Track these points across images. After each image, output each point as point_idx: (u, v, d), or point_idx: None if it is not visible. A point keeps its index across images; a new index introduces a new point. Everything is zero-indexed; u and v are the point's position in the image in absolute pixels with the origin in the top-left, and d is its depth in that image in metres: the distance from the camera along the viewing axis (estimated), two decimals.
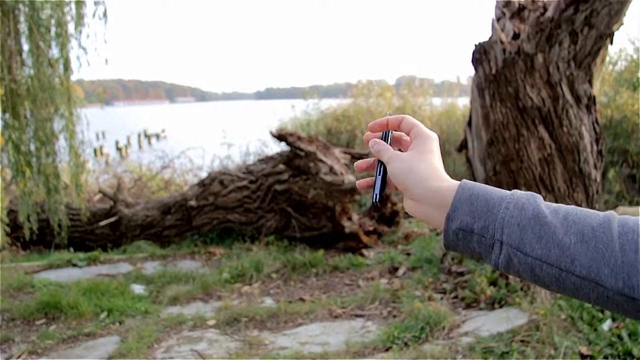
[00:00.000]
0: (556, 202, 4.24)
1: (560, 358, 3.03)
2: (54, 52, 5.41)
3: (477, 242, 0.71)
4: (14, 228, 6.30)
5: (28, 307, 4.57)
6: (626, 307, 0.62)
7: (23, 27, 5.26)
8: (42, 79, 5.29)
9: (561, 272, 0.65)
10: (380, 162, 0.86)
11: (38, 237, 6.21)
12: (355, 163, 0.91)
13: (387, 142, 0.87)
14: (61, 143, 5.78)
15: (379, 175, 0.86)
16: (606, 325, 3.34)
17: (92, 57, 5.60)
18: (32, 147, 5.53)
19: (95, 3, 5.50)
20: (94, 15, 5.52)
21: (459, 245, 0.74)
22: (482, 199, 0.72)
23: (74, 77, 5.64)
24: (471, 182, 0.75)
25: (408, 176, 0.78)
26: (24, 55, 5.34)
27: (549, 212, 0.68)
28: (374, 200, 0.86)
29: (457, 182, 0.76)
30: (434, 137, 0.82)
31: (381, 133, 0.89)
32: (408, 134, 0.86)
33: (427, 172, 0.78)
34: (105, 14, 5.56)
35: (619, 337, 3.19)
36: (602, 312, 3.48)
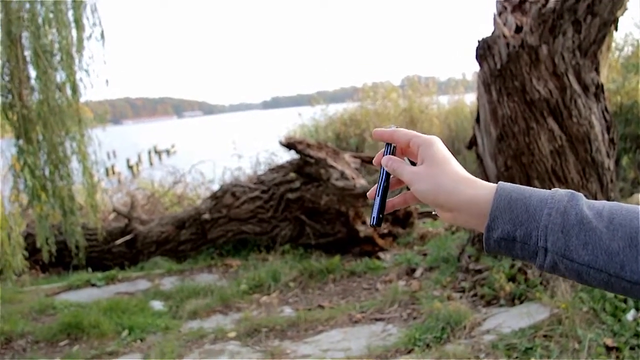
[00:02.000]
0: None
1: (585, 351, 3.00)
2: (61, 76, 5.47)
3: (520, 249, 0.69)
4: (33, 251, 6.37)
5: (51, 329, 4.61)
6: None
7: (28, 53, 5.33)
8: (51, 103, 5.36)
9: (610, 277, 0.64)
10: (382, 181, 0.84)
11: (56, 259, 6.27)
12: (374, 159, 0.87)
13: (393, 154, 0.84)
14: (74, 165, 5.84)
15: (378, 196, 0.83)
16: (630, 315, 3.30)
17: (93, 78, 5.67)
18: (46, 171, 5.59)
19: (93, 25, 5.57)
20: (89, 37, 5.58)
21: (501, 251, 0.72)
22: (521, 205, 0.69)
23: (96, 97, 5.73)
24: (508, 185, 0.72)
25: (438, 195, 0.75)
26: (32, 81, 5.41)
27: (593, 215, 0.65)
28: (371, 222, 0.84)
29: (493, 187, 0.73)
30: (436, 141, 0.79)
31: (384, 146, 0.86)
32: (407, 146, 0.82)
33: (454, 184, 0.74)
34: (102, 36, 5.62)
35: None
36: (626, 301, 3.43)
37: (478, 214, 0.73)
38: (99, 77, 5.88)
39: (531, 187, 0.72)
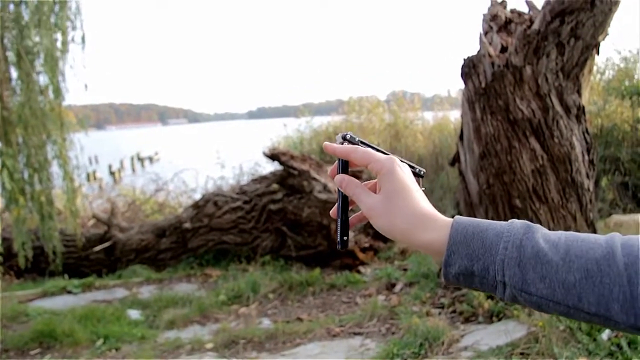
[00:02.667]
0: (550, 213, 4.25)
1: None
2: (43, 78, 5.42)
3: (479, 283, 0.69)
4: (8, 256, 6.25)
5: (22, 337, 4.51)
6: None
7: (10, 54, 5.27)
8: (33, 105, 5.30)
9: (569, 309, 0.64)
10: (340, 200, 0.81)
11: (32, 264, 6.16)
12: (329, 171, 0.84)
13: (345, 169, 0.80)
14: (54, 169, 5.76)
15: (339, 217, 0.81)
16: (605, 334, 3.33)
17: (75, 82, 5.62)
18: (26, 174, 5.51)
19: (73, 28, 5.52)
20: (72, 40, 5.54)
21: (460, 285, 0.72)
22: (477, 240, 0.68)
23: (75, 101, 5.68)
24: (464, 219, 0.71)
25: (393, 233, 0.74)
26: (13, 82, 5.34)
27: (549, 248, 0.65)
28: (338, 247, 0.81)
29: (448, 224, 0.72)
30: (395, 169, 0.75)
31: (337, 161, 0.81)
32: (365, 167, 0.79)
33: (409, 226, 0.72)
34: (83, 40, 5.58)
35: (619, 346, 3.18)
36: None
37: (434, 253, 0.72)
38: (81, 81, 5.83)
39: (487, 220, 0.71)
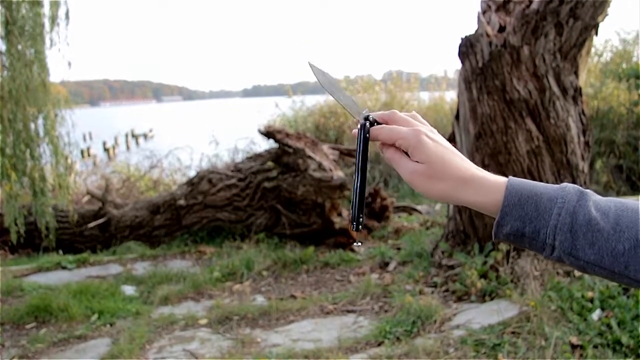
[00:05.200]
0: None
1: (550, 348, 3.05)
2: (31, 52, 5.32)
3: (527, 243, 0.72)
4: (1, 232, 6.24)
5: (17, 311, 4.52)
6: None
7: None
8: (23, 80, 5.21)
9: (614, 275, 0.67)
10: (359, 177, 0.78)
11: (26, 240, 6.15)
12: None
13: (367, 136, 0.78)
14: (47, 145, 5.71)
15: (356, 196, 0.77)
16: (595, 314, 3.37)
17: (57, 59, 5.49)
18: (17, 150, 5.46)
19: (56, 3, 5.41)
20: (57, 16, 5.43)
21: (509, 243, 0.75)
22: (531, 204, 0.70)
23: (58, 78, 5.57)
24: (517, 181, 0.73)
25: (443, 199, 0.75)
26: (2, 57, 5.26)
27: (600, 217, 0.68)
28: (353, 227, 0.78)
29: (501, 186, 0.73)
30: (425, 141, 0.75)
31: (359, 126, 0.79)
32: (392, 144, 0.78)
33: (455, 188, 0.74)
34: (67, 16, 5.48)
35: (609, 326, 3.22)
36: (592, 302, 3.51)
37: (485, 211, 0.75)
38: (65, 57, 5.67)
39: (540, 183, 0.73)
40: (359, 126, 0.79)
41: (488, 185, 0.74)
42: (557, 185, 0.72)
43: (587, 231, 0.67)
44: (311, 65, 0.80)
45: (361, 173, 0.79)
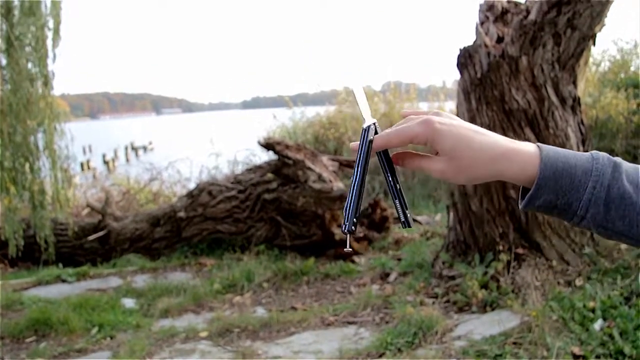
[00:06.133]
0: None
1: (552, 359, 3.04)
2: (32, 67, 5.33)
3: (557, 213, 0.73)
4: (0, 245, 6.22)
5: (17, 324, 4.50)
6: None
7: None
8: (23, 94, 5.22)
9: (638, 243, 0.70)
10: (359, 178, 0.75)
11: (26, 253, 6.13)
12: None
13: (369, 137, 0.75)
14: (46, 158, 5.71)
15: (354, 197, 0.75)
16: (597, 324, 3.35)
17: (66, 71, 5.47)
18: (16, 163, 5.46)
19: (57, 16, 5.42)
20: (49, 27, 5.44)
21: (536, 211, 0.75)
22: (566, 177, 0.70)
23: (58, 91, 5.56)
24: (550, 152, 0.72)
25: (478, 180, 0.75)
26: (4, 71, 5.27)
27: (633, 190, 0.69)
28: (346, 229, 0.76)
29: (534, 155, 0.72)
30: (440, 132, 0.72)
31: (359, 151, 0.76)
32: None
33: (490, 170, 0.73)
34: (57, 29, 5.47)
35: (611, 336, 3.20)
36: (593, 312, 3.49)
37: (518, 183, 0.75)
38: (70, 70, 5.67)
39: (572, 153, 0.73)
40: (363, 127, 0.78)
41: (521, 158, 0.72)
42: (589, 154, 0.72)
43: (620, 204, 0.68)
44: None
45: (361, 175, 0.76)
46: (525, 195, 0.74)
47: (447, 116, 0.76)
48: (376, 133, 0.78)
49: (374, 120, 0.79)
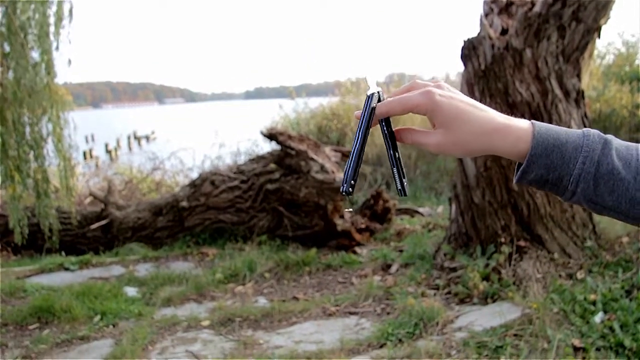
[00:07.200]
0: (547, 196, 4.26)
1: (553, 351, 3.05)
2: (36, 54, 5.31)
3: (549, 188, 0.75)
4: (4, 233, 6.25)
5: (21, 312, 4.54)
6: None
7: (2, 29, 5.16)
8: (27, 82, 5.21)
9: (627, 218, 0.72)
10: (359, 141, 0.77)
11: (29, 241, 6.16)
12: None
13: (372, 104, 0.78)
14: (50, 147, 5.72)
15: (354, 159, 0.77)
16: (598, 317, 3.37)
17: (60, 59, 5.40)
18: (21, 152, 5.47)
19: (61, 3, 5.37)
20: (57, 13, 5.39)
21: (528, 186, 0.77)
22: (557, 153, 0.72)
23: (61, 80, 5.53)
24: (542, 128, 0.74)
25: (472, 154, 0.77)
26: (7, 58, 5.25)
27: (622, 166, 0.71)
28: (344, 189, 0.77)
29: (526, 131, 0.74)
30: (438, 102, 0.74)
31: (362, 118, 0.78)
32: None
33: (483, 144, 0.75)
34: (71, 13, 5.43)
35: (611, 328, 3.22)
36: (594, 304, 3.50)
37: (511, 158, 0.76)
38: (64, 55, 5.62)
39: (564, 130, 0.75)
40: (367, 94, 0.80)
41: (514, 134, 0.74)
42: (580, 131, 0.74)
43: (609, 180, 0.70)
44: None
45: (362, 139, 0.78)
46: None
47: (448, 89, 0.78)
48: (379, 101, 0.80)
49: (379, 89, 0.81)
